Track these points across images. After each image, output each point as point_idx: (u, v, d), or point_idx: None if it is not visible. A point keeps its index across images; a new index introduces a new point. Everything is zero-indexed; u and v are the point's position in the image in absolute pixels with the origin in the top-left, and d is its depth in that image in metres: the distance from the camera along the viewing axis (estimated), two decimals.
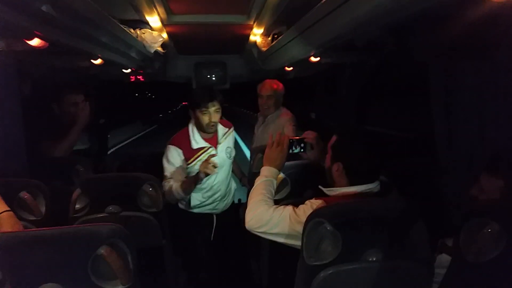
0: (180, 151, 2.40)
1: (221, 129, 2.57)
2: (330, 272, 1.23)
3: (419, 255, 1.26)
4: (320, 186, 1.58)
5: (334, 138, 1.62)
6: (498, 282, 1.16)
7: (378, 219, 1.28)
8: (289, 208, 1.51)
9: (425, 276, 1.28)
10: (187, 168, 2.44)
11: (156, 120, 24.41)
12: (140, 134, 18.75)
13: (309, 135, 1.86)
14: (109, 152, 4.40)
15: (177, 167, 2.40)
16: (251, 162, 2.88)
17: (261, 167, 2.75)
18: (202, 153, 2.45)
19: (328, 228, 1.22)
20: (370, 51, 2.23)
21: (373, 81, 3.03)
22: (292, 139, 1.81)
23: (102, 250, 1.13)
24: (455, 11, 1.24)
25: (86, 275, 1.14)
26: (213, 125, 2.41)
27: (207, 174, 2.32)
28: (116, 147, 13.13)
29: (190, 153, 2.43)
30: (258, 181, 1.71)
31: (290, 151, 1.80)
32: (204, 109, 2.36)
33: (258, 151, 2.84)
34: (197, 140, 2.47)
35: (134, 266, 1.21)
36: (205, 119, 2.38)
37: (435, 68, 1.60)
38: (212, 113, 2.38)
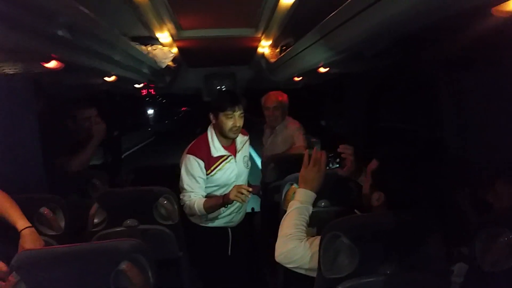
0: (201, 162, 2.31)
1: (239, 137, 2.51)
2: (348, 285, 1.23)
3: (436, 266, 1.26)
4: (356, 211, 1.51)
5: (374, 163, 1.48)
6: None
7: (394, 231, 1.28)
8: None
9: (443, 287, 1.28)
10: (206, 178, 2.36)
11: (157, 131, 24.53)
12: (145, 143, 18.91)
13: (346, 150, 1.73)
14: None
15: (198, 179, 2.32)
16: (264, 173, 2.90)
17: (274, 177, 2.81)
18: (222, 161, 2.39)
19: (344, 241, 1.22)
20: (379, 61, 2.24)
21: (381, 89, 3.04)
22: (328, 155, 1.67)
23: (124, 265, 1.16)
24: (462, 25, 1.26)
25: None
26: (236, 130, 2.34)
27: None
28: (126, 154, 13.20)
29: (210, 162, 2.35)
30: (292, 207, 1.57)
31: (327, 168, 1.66)
32: (229, 112, 2.29)
33: (271, 161, 2.88)
34: (216, 148, 2.39)
35: (154, 280, 1.24)
36: (229, 123, 2.30)
37: (443, 78, 1.62)
38: (236, 118, 2.31)
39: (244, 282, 2.68)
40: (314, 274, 1.36)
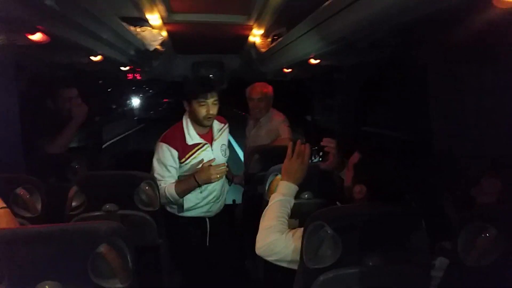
0: (174, 151, 2.27)
1: (216, 124, 2.45)
2: (330, 276, 1.22)
3: (419, 259, 1.26)
4: (338, 203, 1.51)
5: (356, 155, 1.48)
6: (496, 285, 1.17)
7: (378, 222, 1.28)
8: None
9: (425, 280, 1.28)
10: (180, 167, 2.32)
11: (145, 119, 24.30)
12: (130, 131, 18.68)
13: (329, 144, 1.73)
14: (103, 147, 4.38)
15: (170, 168, 2.28)
16: (248, 163, 2.88)
17: (258, 168, 2.79)
18: (197, 150, 2.34)
19: (328, 231, 1.21)
20: (371, 53, 2.24)
21: (373, 83, 3.04)
22: (311, 148, 1.67)
23: (102, 248, 1.12)
24: (457, 15, 1.25)
25: (85, 273, 1.13)
26: (210, 118, 2.28)
27: (209, 182, 2.25)
28: (107, 143, 13.06)
29: (184, 150, 2.30)
30: (274, 199, 1.56)
31: (310, 160, 1.65)
32: (201, 100, 2.23)
33: (255, 152, 2.85)
34: (191, 136, 2.33)
35: (133, 265, 1.20)
36: (202, 111, 2.24)
37: (437, 71, 1.61)
38: (210, 105, 2.25)
39: (224, 273, 2.66)
40: (295, 267, 1.35)
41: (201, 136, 2.37)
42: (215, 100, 2.27)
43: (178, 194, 2.24)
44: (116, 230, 1.17)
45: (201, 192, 2.38)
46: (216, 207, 2.53)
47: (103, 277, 1.15)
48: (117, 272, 1.15)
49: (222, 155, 2.47)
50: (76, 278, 1.13)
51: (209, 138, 2.42)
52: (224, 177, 2.53)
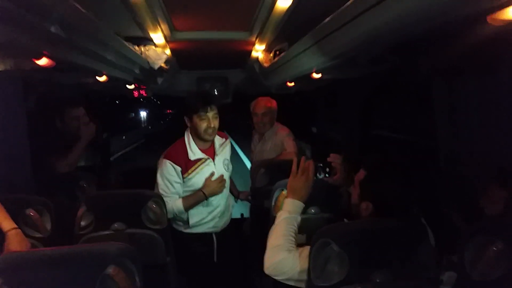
0: (177, 167, 2.28)
1: (217, 139, 2.46)
2: None
3: (426, 275, 1.26)
4: (345, 219, 1.50)
5: (362, 172, 1.48)
6: None
7: (385, 238, 1.28)
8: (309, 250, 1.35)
9: None
10: (183, 182, 2.33)
11: (147, 133, 24.41)
12: (135, 145, 18.84)
13: (335, 159, 1.72)
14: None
15: (174, 184, 2.29)
16: (254, 178, 2.89)
17: (264, 182, 2.80)
18: (200, 164, 2.34)
19: (334, 248, 1.21)
20: (372, 66, 2.25)
21: (374, 96, 3.06)
22: (317, 165, 1.67)
23: (110, 270, 1.14)
24: (457, 32, 1.27)
25: None
26: (211, 132, 2.29)
27: (216, 194, 2.28)
28: (115, 156, 13.13)
29: (187, 165, 2.31)
30: (280, 217, 1.55)
31: (315, 177, 1.65)
32: (202, 113, 2.24)
33: (261, 167, 2.86)
34: (194, 151, 2.34)
35: (141, 285, 1.21)
36: (203, 125, 2.26)
37: (437, 85, 1.62)
38: (210, 119, 2.26)
39: (230, 285, 2.65)
40: (304, 286, 1.35)
41: (203, 151, 2.38)
42: (215, 114, 2.29)
43: (185, 209, 2.28)
44: (124, 251, 1.18)
45: (206, 206, 2.39)
46: (222, 222, 2.52)
47: None
48: None
49: (225, 169, 2.48)
50: None
51: (211, 153, 2.43)
52: (228, 192, 2.56)
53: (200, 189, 2.32)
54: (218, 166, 2.43)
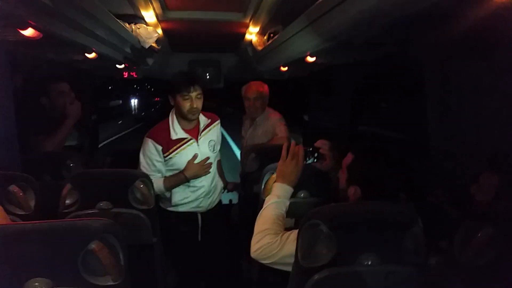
0: (158, 146, 2.31)
1: (202, 120, 2.46)
2: (325, 275, 1.20)
3: (415, 260, 1.25)
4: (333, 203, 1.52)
5: (350, 156, 1.47)
6: (492, 284, 1.16)
7: (375, 222, 1.27)
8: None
9: (420, 280, 1.27)
10: (165, 161, 2.35)
11: (141, 118, 24.25)
12: (127, 131, 18.68)
13: (323, 145, 1.72)
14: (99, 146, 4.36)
15: (155, 163, 2.32)
16: (244, 163, 2.86)
17: (254, 167, 2.77)
18: (182, 144, 2.36)
19: (323, 230, 1.20)
20: (367, 51, 2.23)
21: (369, 81, 3.04)
22: (306, 150, 1.67)
23: (93, 245, 1.10)
24: (454, 11, 1.24)
25: (76, 270, 1.11)
26: (194, 112, 2.30)
27: (197, 177, 2.29)
28: (104, 143, 13.05)
29: (168, 145, 2.34)
30: (269, 201, 1.55)
31: (304, 162, 1.65)
32: (185, 93, 2.25)
33: (251, 151, 2.84)
34: (176, 131, 2.36)
35: (125, 263, 1.19)
36: (186, 105, 2.27)
37: (432, 68, 1.60)
38: (193, 99, 2.27)
39: (218, 272, 2.65)
40: (290, 269, 1.34)
41: (186, 131, 2.39)
42: (198, 94, 2.30)
43: (166, 189, 2.32)
44: (107, 227, 1.15)
45: (189, 186, 2.41)
46: (207, 203, 2.53)
47: (94, 274, 1.13)
48: (108, 269, 1.14)
49: (210, 150, 2.48)
50: (67, 275, 1.12)
51: (195, 133, 2.43)
52: (214, 173, 2.56)
53: (182, 171, 2.34)
54: (202, 146, 2.43)
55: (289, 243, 1.39)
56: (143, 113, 26.86)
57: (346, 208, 1.34)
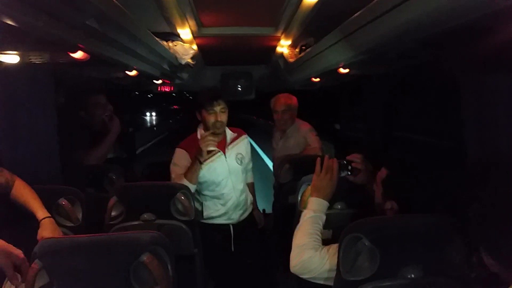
0: (187, 154, 2.40)
1: (229, 134, 2.56)
2: None
3: (457, 272, 1.24)
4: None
5: (383, 172, 1.48)
6: None
7: (416, 234, 1.27)
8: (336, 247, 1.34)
9: None
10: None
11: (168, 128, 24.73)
12: (158, 138, 19.16)
13: (356, 159, 1.72)
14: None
15: (184, 168, 2.36)
16: (278, 173, 2.89)
17: (288, 178, 2.80)
18: (210, 157, 2.43)
19: (365, 243, 1.21)
20: (400, 63, 2.23)
21: (399, 93, 3.02)
22: (340, 163, 1.67)
23: (144, 257, 1.16)
24: (487, 28, 1.24)
25: (127, 282, 1.17)
26: (219, 125, 2.40)
27: (208, 153, 2.30)
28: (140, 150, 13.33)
29: None
30: (305, 216, 1.56)
31: (338, 175, 1.65)
32: (209, 108, 2.36)
33: (285, 162, 2.87)
34: None
35: (173, 273, 1.24)
36: (211, 119, 2.38)
37: (466, 83, 1.59)
38: (218, 112, 2.37)
39: (252, 281, 2.68)
40: (331, 283, 1.34)
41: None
42: (222, 108, 2.40)
43: (186, 178, 2.30)
44: (157, 239, 1.21)
45: (218, 199, 2.49)
46: (237, 216, 2.58)
47: (145, 286, 1.19)
48: (158, 280, 1.19)
49: (238, 163, 2.55)
50: (120, 287, 1.18)
51: (222, 146, 2.50)
52: (242, 185, 2.60)
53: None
54: (229, 159, 2.51)
55: (330, 257, 1.39)
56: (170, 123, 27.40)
57: (386, 221, 1.34)
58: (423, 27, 1.33)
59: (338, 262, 1.26)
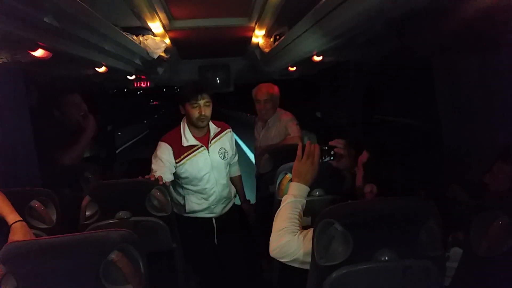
0: (170, 148, 2.37)
1: (213, 128, 2.52)
2: (343, 272, 1.21)
3: (432, 253, 1.24)
4: (350, 201, 1.48)
5: (365, 155, 1.47)
6: (510, 274, 1.15)
7: (389, 217, 1.26)
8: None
9: (437, 273, 1.26)
10: (176, 166, 2.40)
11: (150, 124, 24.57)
12: (137, 138, 18.98)
13: (339, 144, 1.73)
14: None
15: (165, 162, 2.36)
16: (258, 164, 2.88)
17: (268, 168, 2.79)
18: (193, 151, 2.42)
19: (338, 228, 1.20)
20: (372, 47, 2.22)
21: (376, 77, 3.02)
22: (322, 148, 1.67)
23: (113, 256, 1.14)
24: (458, 6, 1.24)
25: (98, 281, 1.15)
26: (203, 119, 2.37)
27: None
28: (120, 149, 13.19)
29: (180, 151, 2.40)
30: (286, 201, 1.56)
31: (320, 161, 1.65)
32: (193, 102, 2.32)
33: (265, 152, 2.86)
34: (187, 138, 2.42)
35: (146, 271, 1.22)
36: (195, 113, 2.34)
37: (439, 64, 1.59)
38: (202, 106, 2.34)
39: (238, 274, 2.67)
40: (308, 267, 1.34)
41: (197, 138, 2.45)
42: (206, 102, 2.36)
43: None
44: (126, 237, 1.19)
45: (200, 193, 2.47)
46: (220, 209, 2.58)
47: (116, 284, 1.17)
48: (129, 278, 1.17)
49: (221, 157, 2.52)
50: (90, 287, 1.16)
51: (205, 141, 2.48)
52: (225, 180, 2.58)
53: None
54: (212, 153, 2.48)
55: (307, 241, 1.40)
56: (150, 120, 27.20)
57: (359, 206, 1.34)
58: (392, 7, 1.32)
59: (312, 248, 1.26)
